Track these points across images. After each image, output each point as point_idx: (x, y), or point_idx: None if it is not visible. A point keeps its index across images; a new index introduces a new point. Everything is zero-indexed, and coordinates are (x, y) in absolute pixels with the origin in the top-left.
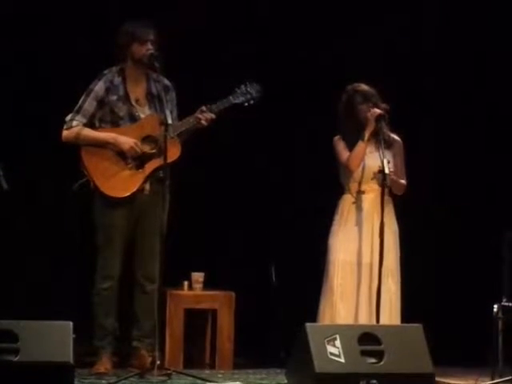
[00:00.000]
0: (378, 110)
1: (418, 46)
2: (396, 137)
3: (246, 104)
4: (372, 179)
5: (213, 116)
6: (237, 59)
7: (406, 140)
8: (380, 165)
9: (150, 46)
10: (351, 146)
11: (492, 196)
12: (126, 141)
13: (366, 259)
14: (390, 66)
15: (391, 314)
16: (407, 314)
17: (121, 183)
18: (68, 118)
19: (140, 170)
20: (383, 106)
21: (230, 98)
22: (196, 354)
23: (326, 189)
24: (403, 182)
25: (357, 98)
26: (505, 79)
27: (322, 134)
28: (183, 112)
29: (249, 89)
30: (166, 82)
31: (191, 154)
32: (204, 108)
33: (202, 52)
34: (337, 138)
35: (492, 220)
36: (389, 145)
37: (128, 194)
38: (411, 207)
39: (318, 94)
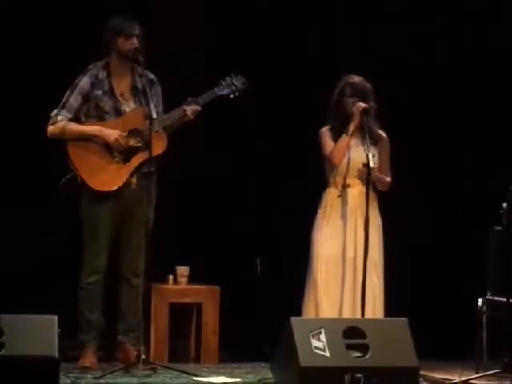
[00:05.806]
0: (362, 104)
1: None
2: (383, 133)
3: (232, 96)
4: (357, 173)
5: (198, 108)
6: (222, 52)
7: (391, 135)
8: (365, 159)
9: (135, 41)
10: (337, 139)
11: (478, 190)
12: (111, 133)
13: (350, 253)
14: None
15: (374, 307)
16: (392, 308)
17: (108, 177)
18: (53, 113)
19: (126, 164)
20: (371, 103)
21: (216, 89)
22: (181, 348)
23: (311, 182)
24: (388, 178)
25: (346, 89)
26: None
27: (308, 128)
28: (169, 106)
29: (234, 80)
30: (151, 75)
31: (178, 148)
32: (190, 100)
33: (187, 44)
34: (323, 129)
35: (477, 214)
36: (375, 141)
37: (115, 188)
38: (396, 201)
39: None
